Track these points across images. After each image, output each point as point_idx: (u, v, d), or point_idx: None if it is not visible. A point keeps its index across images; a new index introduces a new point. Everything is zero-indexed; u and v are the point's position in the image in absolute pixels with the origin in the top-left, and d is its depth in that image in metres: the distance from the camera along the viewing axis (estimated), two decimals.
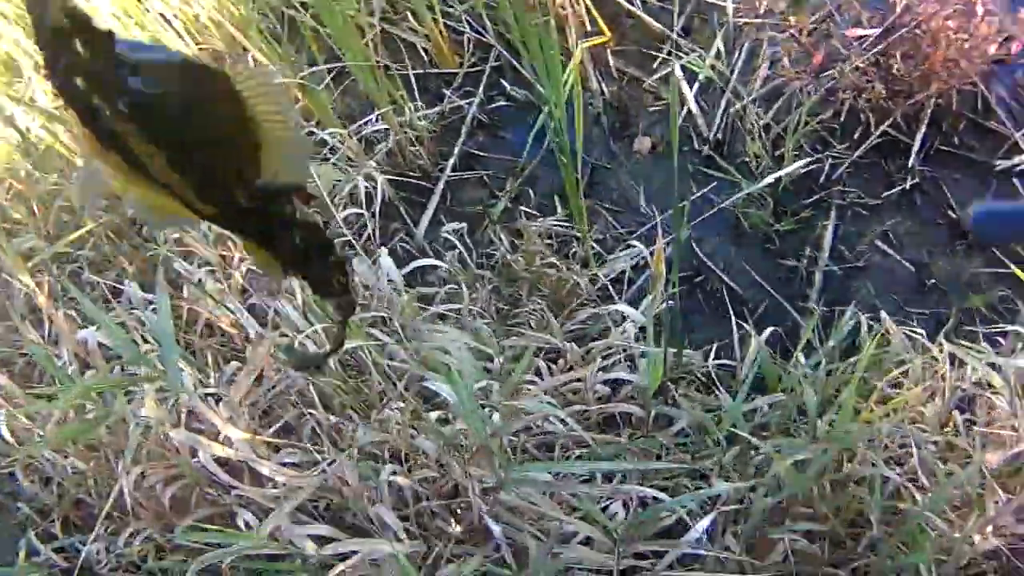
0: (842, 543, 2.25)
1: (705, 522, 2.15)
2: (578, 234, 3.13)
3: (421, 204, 3.45)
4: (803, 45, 3.47)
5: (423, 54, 3.87)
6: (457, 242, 2.95)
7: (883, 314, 2.54)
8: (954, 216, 3.31)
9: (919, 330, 2.51)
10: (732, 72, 3.68)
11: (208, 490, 2.26)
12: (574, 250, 3.11)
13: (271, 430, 2.32)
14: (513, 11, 2.56)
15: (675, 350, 2.62)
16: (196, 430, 2.15)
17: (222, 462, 2.16)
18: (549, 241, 3.12)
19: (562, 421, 2.30)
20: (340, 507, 2.24)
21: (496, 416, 2.20)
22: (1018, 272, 2.74)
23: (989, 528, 2.10)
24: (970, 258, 3.17)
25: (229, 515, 2.19)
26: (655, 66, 3.78)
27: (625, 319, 2.63)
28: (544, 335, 2.61)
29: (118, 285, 2.61)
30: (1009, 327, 2.46)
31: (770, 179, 3.25)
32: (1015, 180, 3.35)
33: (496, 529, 2.08)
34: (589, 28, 3.79)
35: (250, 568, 2.15)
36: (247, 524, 2.13)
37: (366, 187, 3.06)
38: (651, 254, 3.03)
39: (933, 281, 3.16)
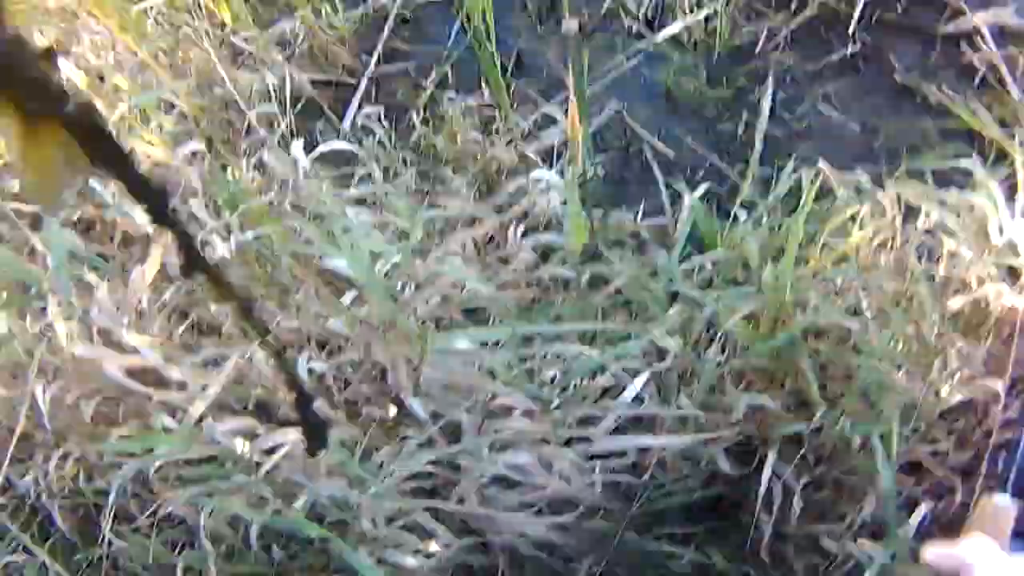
0: (804, 403, 2.15)
1: (642, 379, 2.06)
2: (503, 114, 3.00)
3: (346, 102, 3.33)
4: None
5: None
6: (375, 127, 2.84)
7: (823, 163, 2.41)
8: (899, 81, 3.22)
9: (864, 177, 2.40)
10: None
11: (131, 400, 2.17)
12: (497, 127, 3.00)
13: (181, 329, 2.26)
14: None
15: (601, 211, 2.49)
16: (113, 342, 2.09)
17: (135, 371, 2.07)
18: (474, 123, 2.99)
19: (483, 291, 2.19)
20: (267, 402, 2.14)
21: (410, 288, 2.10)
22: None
23: (956, 378, 2.04)
24: (919, 118, 3.07)
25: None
26: None
27: (551, 188, 2.50)
28: (462, 204, 2.49)
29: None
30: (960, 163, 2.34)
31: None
32: (962, 44, 3.23)
33: (418, 409, 2.00)
34: None
35: (186, 476, 2.08)
36: (167, 429, 2.05)
37: (276, 84, 2.96)
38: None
39: (881, 141, 3.07)
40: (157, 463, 2.02)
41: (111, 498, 2.03)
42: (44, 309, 2.15)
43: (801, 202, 2.18)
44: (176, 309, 2.31)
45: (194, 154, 2.40)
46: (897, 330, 2.10)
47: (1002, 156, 2.65)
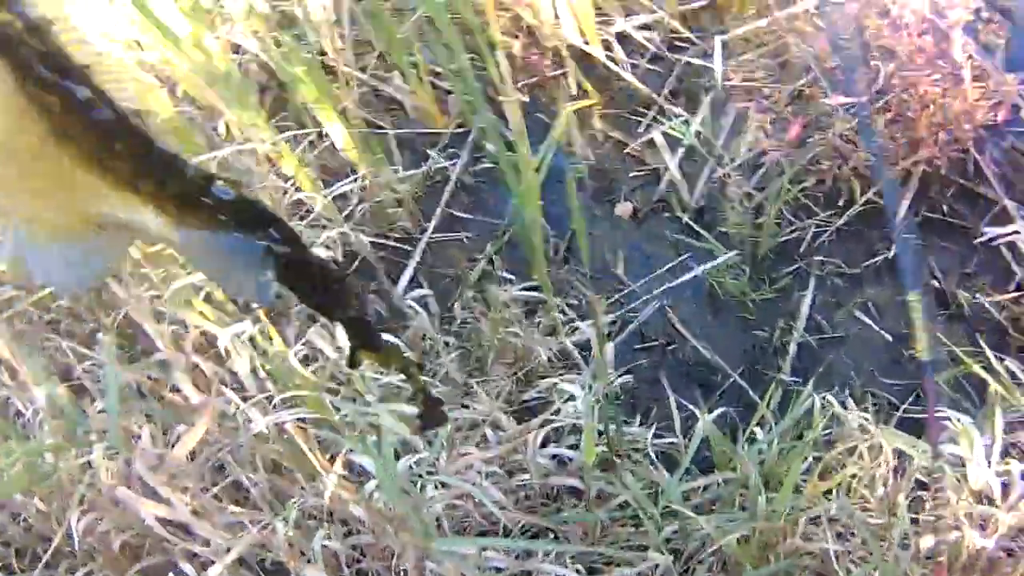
0: None
1: None
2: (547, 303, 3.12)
3: (401, 265, 3.46)
4: (781, 113, 3.48)
5: (409, 113, 3.88)
6: (421, 309, 2.98)
7: (829, 397, 2.57)
8: (938, 286, 3.28)
9: (868, 415, 2.53)
10: (717, 139, 3.69)
11: (158, 541, 2.35)
12: (540, 320, 3.11)
13: (216, 488, 2.42)
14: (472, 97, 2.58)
15: (615, 426, 2.62)
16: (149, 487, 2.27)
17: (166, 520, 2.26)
18: (520, 309, 3.12)
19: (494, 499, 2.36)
20: (284, 569, 2.32)
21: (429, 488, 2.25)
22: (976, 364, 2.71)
23: None
24: (950, 331, 3.12)
25: (175, 565, 2.32)
26: (640, 130, 3.79)
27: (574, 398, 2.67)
28: (486, 407, 2.63)
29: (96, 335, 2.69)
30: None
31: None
32: (1003, 250, 3.31)
33: None
34: (575, 92, 3.82)
35: None
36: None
37: (332, 247, 3.13)
38: (619, 322, 3.07)
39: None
40: None
41: None
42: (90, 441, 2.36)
43: (806, 435, 2.39)
44: (213, 467, 2.48)
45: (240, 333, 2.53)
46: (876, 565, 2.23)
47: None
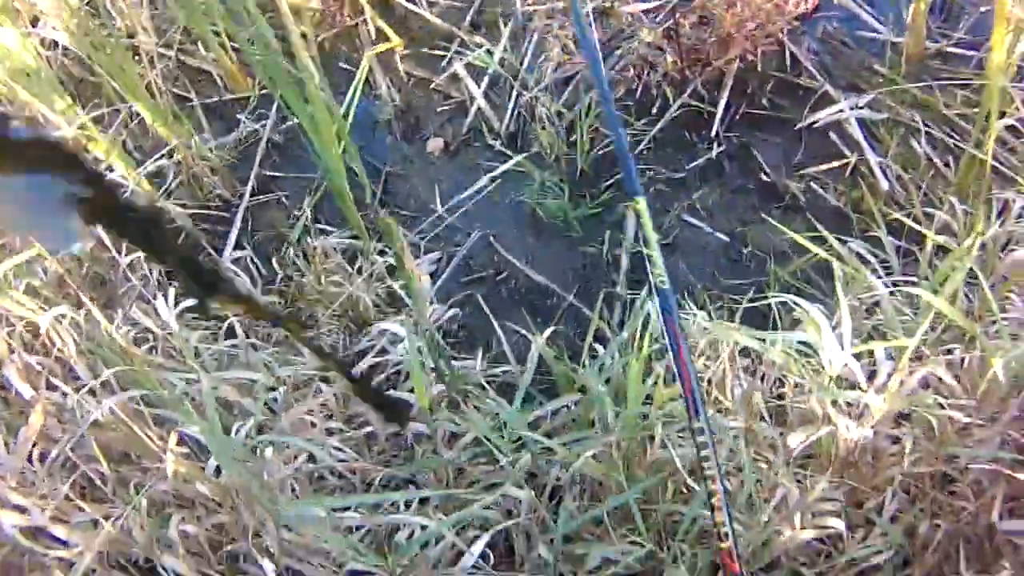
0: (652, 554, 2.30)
1: (480, 545, 2.25)
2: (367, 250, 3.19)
3: (224, 234, 3.50)
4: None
5: (219, 81, 3.94)
6: (241, 272, 3.03)
7: (651, 302, 2.51)
8: (767, 179, 3.39)
9: (704, 314, 2.59)
10: (522, 63, 3.79)
11: (34, 556, 2.32)
12: (361, 265, 3.17)
13: (66, 486, 2.37)
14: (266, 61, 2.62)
15: (444, 363, 2.69)
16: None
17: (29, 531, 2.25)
18: (342, 259, 3.19)
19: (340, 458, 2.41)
20: (149, 560, 2.33)
21: (268, 452, 2.28)
22: (830, 243, 2.71)
23: (797, 518, 2.16)
24: (787, 221, 3.14)
25: None
26: (443, 65, 3.88)
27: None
28: (313, 360, 2.68)
29: None
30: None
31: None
32: (832, 136, 3.44)
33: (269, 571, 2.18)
34: (375, 37, 3.91)
35: None
36: None
37: None
38: (444, 258, 3.14)
39: (748, 249, 3.22)
40: None
41: None
42: None
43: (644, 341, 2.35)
44: (63, 467, 2.44)
45: (62, 316, 2.54)
46: (744, 471, 2.25)
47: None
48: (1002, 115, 2.92)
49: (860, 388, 2.21)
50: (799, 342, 2.32)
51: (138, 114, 3.58)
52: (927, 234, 2.67)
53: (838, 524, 2.16)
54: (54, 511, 2.27)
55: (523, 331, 3.00)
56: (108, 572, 2.27)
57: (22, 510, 2.22)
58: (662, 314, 1.67)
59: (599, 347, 2.72)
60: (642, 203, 1.69)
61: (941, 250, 2.67)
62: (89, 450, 2.39)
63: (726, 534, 1.64)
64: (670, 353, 1.67)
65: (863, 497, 2.28)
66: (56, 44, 3.81)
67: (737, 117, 3.55)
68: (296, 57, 2.61)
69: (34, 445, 2.34)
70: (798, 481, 2.24)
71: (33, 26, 3.76)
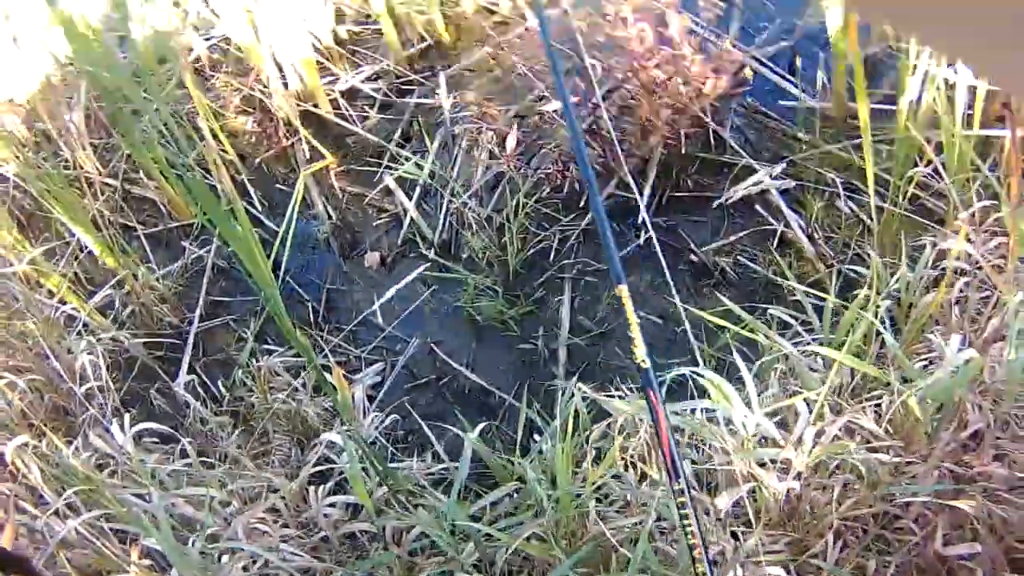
0: None
1: None
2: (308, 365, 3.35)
3: (176, 360, 3.68)
4: (498, 133, 3.76)
5: (162, 208, 4.14)
6: (193, 395, 3.19)
7: (583, 387, 2.74)
8: (695, 259, 3.56)
9: (624, 392, 2.79)
10: (453, 171, 4.00)
11: None
12: (305, 381, 3.35)
13: None
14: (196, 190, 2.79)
15: (381, 467, 2.84)
16: None
17: None
18: (289, 376, 3.36)
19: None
20: None
21: (224, 559, 2.44)
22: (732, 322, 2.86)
23: (738, 573, 2.30)
24: (716, 297, 3.32)
25: None
26: (376, 179, 4.10)
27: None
28: (263, 473, 2.84)
29: None
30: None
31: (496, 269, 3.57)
32: (758, 208, 3.62)
33: None
34: (310, 156, 4.12)
35: None
36: None
37: (93, 360, 3.31)
38: (388, 367, 3.31)
39: (681, 328, 3.36)
40: None
41: None
42: None
43: (575, 426, 2.55)
44: None
45: (25, 444, 2.69)
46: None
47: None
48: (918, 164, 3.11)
49: (778, 445, 2.39)
50: (711, 411, 2.49)
51: (86, 246, 3.76)
52: (827, 296, 2.82)
53: (777, 572, 2.29)
54: None
55: (459, 431, 3.12)
56: None
57: None
58: (645, 389, 1.83)
59: (538, 437, 2.89)
60: (624, 290, 1.86)
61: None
62: (59, 568, 2.55)
63: None
64: (653, 425, 1.82)
65: (809, 545, 2.43)
66: (5, 178, 4.03)
67: (664, 201, 3.72)
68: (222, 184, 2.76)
69: None
70: (734, 538, 2.42)
71: None
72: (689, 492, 1.80)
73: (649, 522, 2.38)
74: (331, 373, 2.76)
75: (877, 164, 3.37)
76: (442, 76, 4.35)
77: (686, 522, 1.78)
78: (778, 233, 3.51)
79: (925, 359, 2.62)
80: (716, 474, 2.57)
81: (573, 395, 2.70)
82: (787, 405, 2.50)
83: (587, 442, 2.65)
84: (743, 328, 2.75)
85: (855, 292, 2.73)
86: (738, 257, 3.52)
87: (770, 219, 3.56)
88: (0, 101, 4.05)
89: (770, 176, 3.63)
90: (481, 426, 2.95)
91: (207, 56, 4.41)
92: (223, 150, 3.90)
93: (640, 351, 1.84)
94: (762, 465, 2.40)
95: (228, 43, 4.37)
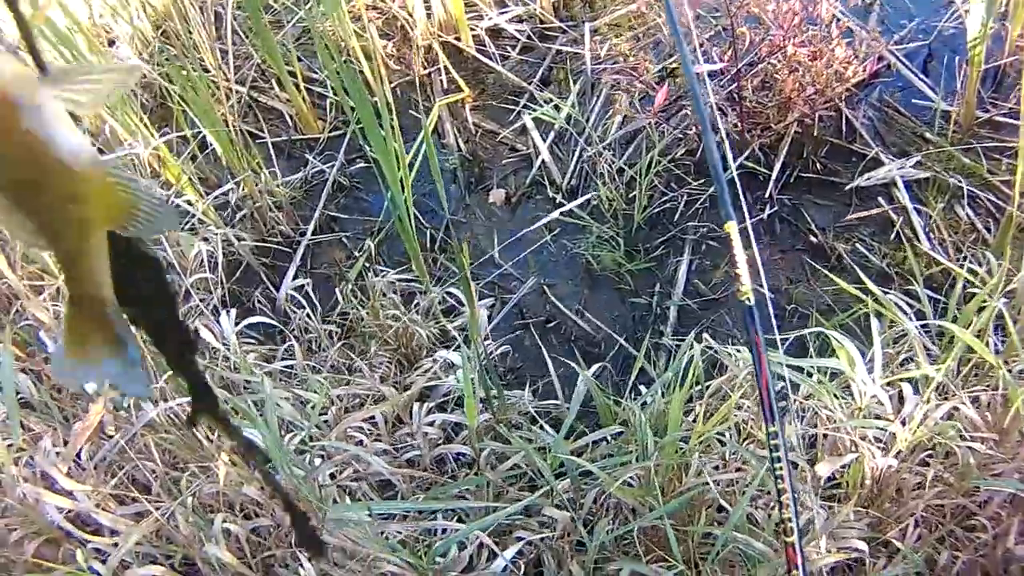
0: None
1: (511, 551, 2.38)
2: (423, 288, 3.38)
3: (283, 269, 3.69)
4: (647, 85, 3.70)
5: (289, 120, 4.15)
6: (303, 300, 3.18)
7: (707, 338, 2.74)
8: (815, 240, 3.52)
9: (741, 348, 2.69)
10: (588, 119, 3.97)
11: (68, 546, 2.47)
12: (419, 303, 3.34)
13: (115, 480, 2.54)
14: (353, 90, 2.78)
15: (495, 392, 2.83)
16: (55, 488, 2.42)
17: (73, 518, 2.43)
18: (399, 297, 3.34)
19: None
20: (190, 557, 2.47)
21: (317, 462, 2.42)
22: (873, 289, 2.76)
23: (822, 542, 2.26)
24: (829, 279, 3.26)
25: (89, 568, 2.36)
26: (511, 118, 4.10)
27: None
28: (369, 383, 2.82)
29: None
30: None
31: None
32: (881, 200, 3.57)
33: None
34: (447, 87, 4.12)
35: None
36: (95, 572, 2.33)
37: (210, 250, 3.33)
38: (498, 304, 3.28)
39: (792, 305, 3.33)
40: None
41: None
42: None
43: (688, 378, 2.51)
44: (112, 464, 2.62)
45: None
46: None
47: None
48: None
49: (887, 419, 2.35)
50: (833, 373, 2.48)
51: (208, 144, 3.79)
52: (957, 272, 2.81)
53: (861, 546, 2.27)
54: (100, 500, 2.43)
55: (569, 369, 3.14)
56: (142, 566, 2.37)
57: (69, 494, 2.38)
58: (748, 326, 1.80)
59: (643, 388, 2.87)
60: (733, 225, 1.83)
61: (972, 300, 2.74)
62: (139, 451, 2.56)
63: (791, 529, 1.74)
64: (754, 365, 1.79)
65: (886, 527, 2.40)
66: None
67: (791, 180, 3.70)
68: (372, 99, 2.74)
69: (87, 441, 2.49)
70: (827, 505, 2.38)
71: (110, 46, 3.97)
72: (784, 439, 1.76)
73: (754, 484, 2.33)
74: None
75: (996, 175, 3.38)
76: (587, 26, 4.35)
77: (778, 465, 1.74)
78: (896, 227, 3.46)
79: None
80: (818, 442, 2.55)
81: (693, 345, 2.64)
82: (901, 379, 2.45)
83: (702, 394, 2.59)
84: (870, 301, 2.69)
85: (969, 291, 2.71)
86: (856, 244, 3.47)
87: (892, 212, 3.51)
88: None
89: (899, 168, 3.60)
90: (596, 366, 2.95)
91: None
92: (360, 70, 3.87)
93: (745, 287, 1.80)
94: (864, 439, 2.36)
95: None
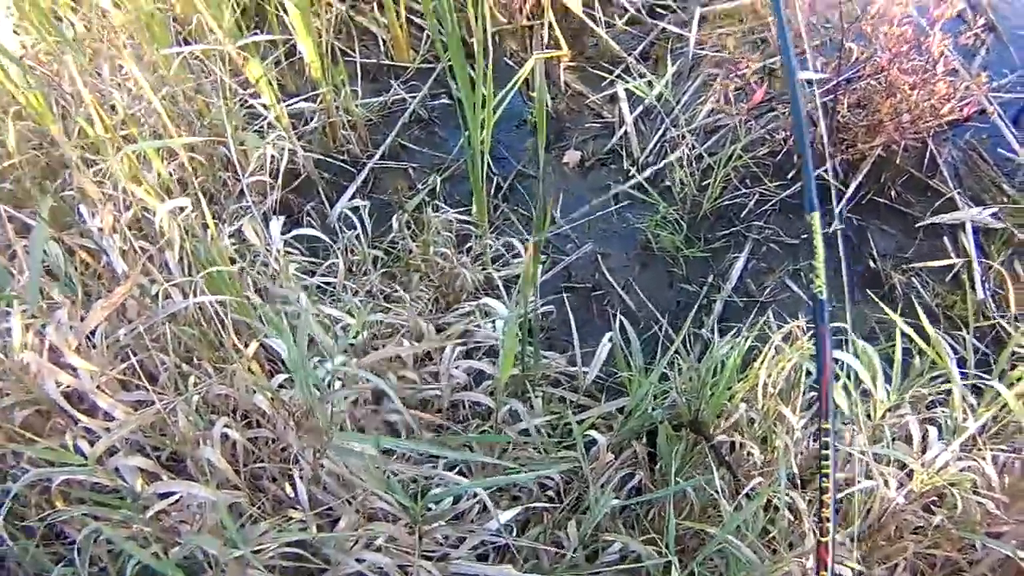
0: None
1: (510, 513, 2.29)
2: (479, 232, 3.27)
3: (343, 187, 3.61)
4: (743, 81, 3.61)
5: (381, 45, 4.07)
6: (355, 219, 3.10)
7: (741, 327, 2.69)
8: (873, 265, 3.43)
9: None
10: (679, 101, 3.86)
11: (59, 420, 2.38)
12: (471, 246, 3.25)
13: (123, 365, 2.44)
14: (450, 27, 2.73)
15: (532, 348, 2.72)
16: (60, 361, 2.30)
17: (70, 395, 2.32)
18: (451, 235, 3.23)
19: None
20: (180, 455, 2.38)
21: (337, 385, 2.34)
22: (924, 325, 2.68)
23: (810, 560, 2.17)
24: (877, 306, 3.20)
25: (75, 447, 2.28)
26: (603, 85, 3.98)
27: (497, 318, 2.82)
28: (409, 316, 2.75)
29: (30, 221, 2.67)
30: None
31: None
32: (945, 241, 3.48)
33: (303, 498, 2.25)
34: (547, 42, 4.01)
35: (79, 497, 2.28)
36: (80, 451, 2.24)
37: (275, 155, 3.17)
38: (549, 262, 3.21)
39: (836, 324, 3.19)
40: (60, 479, 2.20)
41: (8, 498, 2.16)
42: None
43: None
44: (125, 347, 2.51)
45: (181, 209, 2.61)
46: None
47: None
48: None
49: (911, 456, 2.30)
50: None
51: (294, 53, 3.66)
52: (1012, 332, 2.76)
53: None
54: (104, 383, 2.31)
55: (597, 342, 2.97)
56: (130, 454, 2.28)
57: (72, 370, 2.27)
58: (817, 319, 1.77)
59: (669, 372, 2.75)
60: (816, 217, 1.79)
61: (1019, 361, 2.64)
62: (155, 340, 2.47)
63: (828, 529, 1.71)
64: (817, 357, 1.76)
65: (874, 563, 2.35)
66: None
67: (863, 201, 3.60)
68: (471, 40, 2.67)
69: (105, 320, 2.40)
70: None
71: None
72: (834, 436, 1.74)
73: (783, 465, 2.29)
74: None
75: None
76: (698, 10, 4.23)
77: (825, 463, 1.72)
78: (955, 270, 3.39)
79: None
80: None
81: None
82: (928, 418, 2.43)
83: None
84: (914, 334, 2.60)
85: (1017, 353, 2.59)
86: (912, 278, 3.38)
87: (954, 256, 3.43)
88: None
89: (973, 217, 3.51)
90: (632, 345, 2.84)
91: None
92: (463, 8, 3.82)
93: (820, 280, 1.77)
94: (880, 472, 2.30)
95: None
